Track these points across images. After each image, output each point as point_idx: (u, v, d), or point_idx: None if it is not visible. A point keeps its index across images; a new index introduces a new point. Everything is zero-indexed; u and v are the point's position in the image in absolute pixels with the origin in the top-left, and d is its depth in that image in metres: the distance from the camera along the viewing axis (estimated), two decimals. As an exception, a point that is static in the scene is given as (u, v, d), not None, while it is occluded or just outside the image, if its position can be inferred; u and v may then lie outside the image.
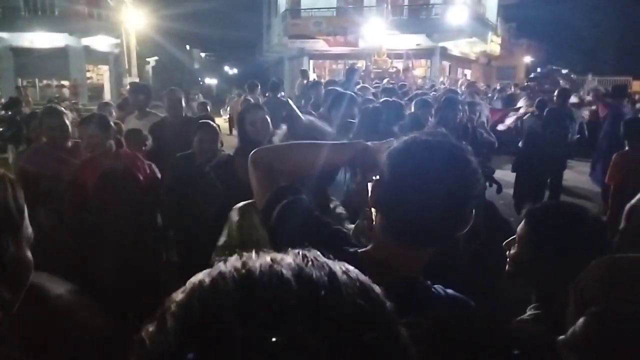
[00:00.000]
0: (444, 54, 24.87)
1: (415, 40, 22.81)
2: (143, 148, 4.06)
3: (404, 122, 4.06)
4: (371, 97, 6.49)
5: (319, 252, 0.56)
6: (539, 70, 16.95)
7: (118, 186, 3.12)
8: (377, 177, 1.17)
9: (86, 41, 22.75)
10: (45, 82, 22.98)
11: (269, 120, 3.31)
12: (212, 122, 3.88)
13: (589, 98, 11.89)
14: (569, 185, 8.44)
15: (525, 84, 16.04)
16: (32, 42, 22.01)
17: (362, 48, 22.02)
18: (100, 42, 23.48)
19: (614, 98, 8.83)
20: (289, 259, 0.54)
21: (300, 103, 7.79)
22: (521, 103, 11.13)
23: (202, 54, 51.34)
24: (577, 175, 8.87)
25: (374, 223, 1.17)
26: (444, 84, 16.06)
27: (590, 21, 33.10)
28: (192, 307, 0.49)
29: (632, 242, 1.80)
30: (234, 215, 2.37)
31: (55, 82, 22.76)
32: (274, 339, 0.45)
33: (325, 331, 0.47)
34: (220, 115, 17.63)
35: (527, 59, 29.98)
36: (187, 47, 43.24)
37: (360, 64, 19.28)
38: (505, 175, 8.00)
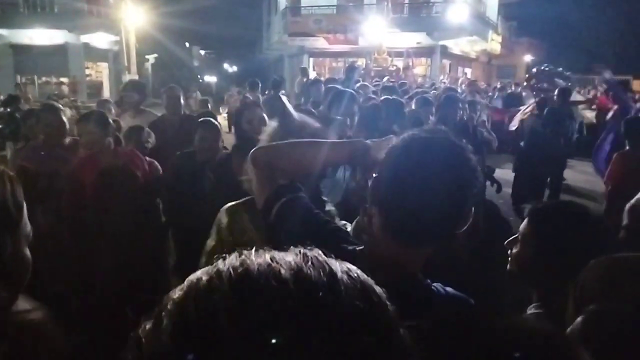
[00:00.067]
0: (445, 52, 24.86)
1: (415, 39, 22.80)
2: (146, 145, 4.04)
3: (404, 120, 4.05)
4: (373, 95, 6.48)
5: (320, 251, 0.55)
6: (534, 70, 16.95)
7: (116, 184, 3.11)
8: (376, 174, 1.17)
9: (85, 38, 22.73)
10: (44, 79, 22.96)
11: (266, 118, 3.30)
12: (213, 120, 3.87)
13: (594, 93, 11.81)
14: (570, 185, 8.45)
15: (525, 83, 16.05)
16: (31, 39, 21.98)
17: (362, 46, 22.00)
18: (100, 39, 23.46)
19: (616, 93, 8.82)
20: (288, 258, 0.52)
21: (300, 101, 7.78)
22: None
23: (202, 52, 51.29)
24: (578, 174, 8.87)
25: (372, 221, 1.17)
26: (445, 83, 16.04)
27: (591, 20, 33.09)
28: (188, 307, 0.48)
29: (635, 240, 1.80)
30: (223, 217, 2.36)
31: (54, 79, 22.74)
32: (268, 341, 0.45)
33: (322, 334, 0.46)
34: (220, 113, 17.63)
35: (528, 58, 29.96)
36: (187, 44, 43.20)
37: (361, 62, 19.29)
38: (505, 174, 8.00)
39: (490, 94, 14.22)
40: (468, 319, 0.82)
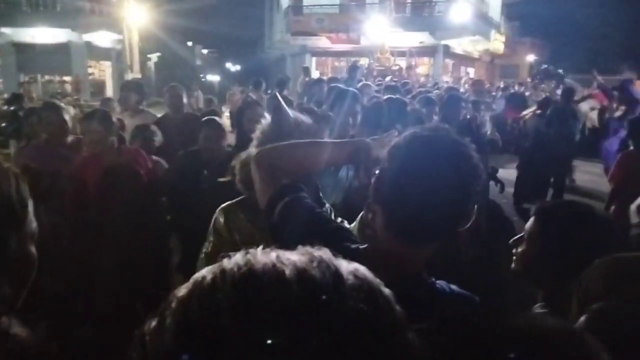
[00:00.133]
0: (447, 52, 24.82)
1: (418, 38, 22.77)
2: (153, 144, 4.05)
3: (407, 119, 4.05)
4: (377, 94, 6.49)
5: (327, 250, 0.54)
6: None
7: (120, 183, 3.11)
8: (378, 172, 1.17)
9: (88, 37, 22.72)
10: (47, 77, 22.98)
11: (268, 117, 3.29)
12: (217, 119, 3.87)
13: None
14: (574, 185, 8.43)
15: (529, 81, 16.06)
16: (34, 38, 21.98)
17: (364, 45, 21.98)
18: (103, 38, 23.46)
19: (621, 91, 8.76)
20: (294, 258, 0.52)
21: (302, 100, 7.78)
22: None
23: (204, 51, 51.32)
24: (582, 174, 8.84)
25: (375, 219, 1.16)
26: (448, 83, 16.02)
27: (594, 20, 32.99)
28: (191, 306, 0.48)
29: None
30: (219, 217, 2.37)
31: (57, 78, 22.76)
32: (267, 342, 0.44)
33: (323, 335, 0.45)
34: (222, 112, 17.59)
35: (531, 58, 29.91)
36: (189, 43, 43.22)
37: (363, 61, 19.25)
38: (508, 174, 8.00)
39: (494, 93, 14.20)
40: (477, 320, 0.81)
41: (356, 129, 3.69)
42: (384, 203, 1.12)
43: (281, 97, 6.00)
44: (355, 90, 4.68)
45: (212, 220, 2.40)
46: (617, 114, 8.49)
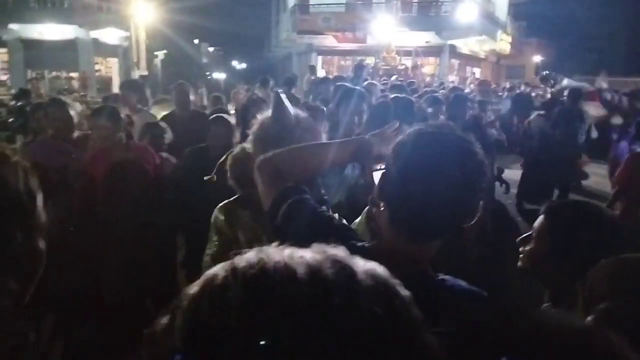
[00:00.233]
0: (453, 51, 24.75)
1: (424, 38, 22.73)
2: (162, 141, 4.05)
3: (414, 118, 4.04)
4: (386, 93, 6.48)
5: (343, 248, 0.52)
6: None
7: (127, 179, 3.12)
8: (383, 167, 1.17)
9: (95, 34, 22.78)
10: (54, 73, 23.06)
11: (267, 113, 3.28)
12: (226, 116, 3.87)
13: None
14: (579, 186, 8.39)
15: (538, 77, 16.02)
16: (42, 34, 22.07)
17: (370, 44, 21.95)
18: (110, 35, 23.52)
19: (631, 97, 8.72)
20: (308, 256, 0.50)
21: (308, 98, 7.78)
22: None
23: (211, 49, 51.35)
24: (592, 176, 8.78)
25: (380, 217, 1.17)
26: (454, 83, 15.98)
27: (601, 21, 32.82)
28: (201, 305, 0.48)
29: None
30: (219, 216, 2.36)
31: (64, 74, 22.84)
32: (274, 343, 0.43)
33: (332, 338, 0.44)
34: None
35: (537, 58, 29.79)
36: (196, 41, 43.27)
37: (369, 60, 19.23)
38: (514, 174, 7.98)
39: (500, 94, 14.15)
40: (495, 322, 0.79)
41: (362, 128, 3.69)
42: (389, 200, 1.13)
43: (288, 95, 6.02)
44: (361, 89, 4.69)
45: (212, 219, 2.38)
46: (615, 120, 8.45)
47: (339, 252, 0.52)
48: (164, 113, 5.83)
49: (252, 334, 0.44)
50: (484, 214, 1.12)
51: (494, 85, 16.23)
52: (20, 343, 0.96)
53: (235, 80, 21.53)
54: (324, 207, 2.04)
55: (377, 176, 1.33)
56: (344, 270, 0.49)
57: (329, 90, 6.64)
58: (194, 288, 0.50)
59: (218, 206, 2.40)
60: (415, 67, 18.19)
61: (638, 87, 9.90)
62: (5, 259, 0.86)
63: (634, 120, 6.15)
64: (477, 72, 27.01)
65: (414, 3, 24.09)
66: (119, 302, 2.87)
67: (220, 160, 2.67)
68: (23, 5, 21.51)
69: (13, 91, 11.73)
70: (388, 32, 19.33)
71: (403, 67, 16.91)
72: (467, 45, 25.52)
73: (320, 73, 18.34)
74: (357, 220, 2.11)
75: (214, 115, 3.88)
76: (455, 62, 25.93)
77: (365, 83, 7.47)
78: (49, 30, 21.97)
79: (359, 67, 9.50)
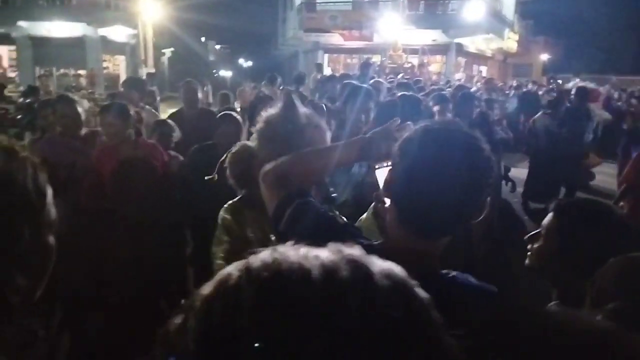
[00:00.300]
0: (460, 50, 24.66)
1: (431, 36, 22.65)
2: (171, 139, 4.07)
3: (421, 117, 4.03)
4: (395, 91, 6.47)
5: (359, 248, 0.51)
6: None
7: (135, 175, 3.13)
8: (389, 165, 1.17)
9: (103, 31, 22.85)
10: (62, 71, 23.17)
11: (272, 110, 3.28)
12: (234, 114, 3.87)
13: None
14: (589, 184, 8.36)
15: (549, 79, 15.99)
16: (50, 32, 22.16)
17: (377, 43, 21.89)
18: (117, 33, 23.58)
19: None
20: (324, 256, 0.48)
21: (314, 96, 7.78)
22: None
23: (217, 46, 51.43)
24: (599, 175, 8.75)
25: (387, 214, 1.17)
26: (460, 81, 15.93)
27: (609, 19, 32.59)
28: (214, 306, 0.47)
29: None
30: (226, 216, 2.35)
31: (72, 72, 22.93)
32: (286, 346, 0.43)
33: (350, 343, 0.43)
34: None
35: (544, 57, 29.62)
36: (203, 39, 43.34)
37: (376, 58, 19.19)
38: (520, 173, 7.95)
39: (507, 92, 14.09)
40: (512, 322, 0.78)
41: (370, 126, 3.69)
42: (396, 198, 1.12)
43: (297, 93, 5.99)
44: (368, 87, 4.69)
45: (220, 220, 2.36)
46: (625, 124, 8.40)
47: (355, 251, 0.50)
48: (171, 110, 5.85)
49: (265, 336, 0.43)
50: (491, 210, 1.13)
51: (500, 84, 16.17)
52: (29, 340, 0.96)
53: (241, 78, 21.56)
54: (330, 206, 2.05)
55: (380, 174, 1.34)
56: (360, 271, 0.48)
57: (335, 89, 6.63)
58: (207, 288, 0.49)
59: (224, 206, 2.39)
60: (421, 65, 18.12)
61: None
62: (13, 256, 0.85)
63: None
64: (484, 70, 26.90)
65: (420, 1, 23.98)
66: (125, 298, 2.89)
67: (222, 159, 2.66)
68: (31, 3, 21.62)
69: (21, 88, 11.78)
70: (395, 30, 19.28)
71: (409, 65, 16.86)
72: (474, 43, 25.41)
73: (327, 71, 18.35)
74: (364, 216, 2.11)
75: (222, 113, 3.88)
76: (462, 60, 25.83)
77: (372, 81, 7.47)
78: (57, 28, 22.05)
79: (366, 65, 9.50)
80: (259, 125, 1.78)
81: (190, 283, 3.39)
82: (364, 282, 0.47)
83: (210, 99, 10.99)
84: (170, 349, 0.48)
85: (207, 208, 3.27)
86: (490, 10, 22.84)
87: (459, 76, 19.15)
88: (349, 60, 25.66)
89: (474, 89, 11.01)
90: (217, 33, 43.77)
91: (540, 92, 13.56)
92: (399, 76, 11.91)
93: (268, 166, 1.39)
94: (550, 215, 1.53)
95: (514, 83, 16.52)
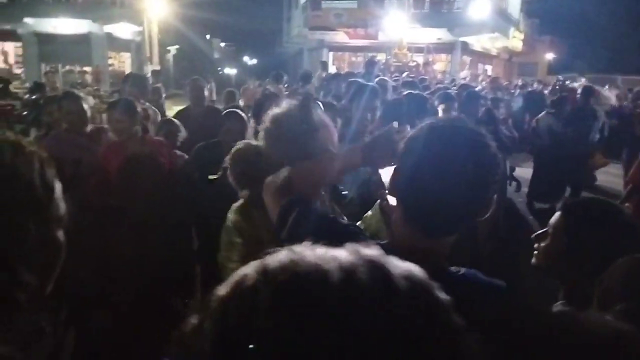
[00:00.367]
0: (465, 48, 24.61)
1: (436, 34, 22.61)
2: (177, 138, 4.08)
3: (427, 115, 4.03)
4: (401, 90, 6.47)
5: (378, 248, 0.50)
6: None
7: (142, 172, 3.13)
8: (394, 164, 1.17)
9: (108, 28, 22.91)
10: (68, 67, 23.23)
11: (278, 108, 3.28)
12: (239, 111, 3.87)
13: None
14: (597, 185, 8.33)
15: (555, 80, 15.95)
16: (56, 28, 22.25)
17: (382, 41, 21.89)
18: (123, 30, 23.63)
19: None
20: (342, 257, 0.48)
21: (319, 95, 7.78)
22: None
23: (222, 44, 51.46)
24: (600, 174, 8.72)
25: (393, 212, 1.17)
26: (466, 79, 15.91)
27: (615, 18, 32.45)
28: (230, 307, 0.46)
29: None
30: (236, 217, 2.33)
31: (77, 68, 22.98)
32: (301, 350, 0.42)
33: (369, 346, 0.42)
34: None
35: (550, 56, 29.52)
36: (208, 36, 43.38)
37: (381, 57, 19.18)
38: (525, 173, 7.93)
39: (512, 91, 14.05)
40: (528, 321, 0.77)
41: (375, 125, 3.68)
42: (402, 196, 1.12)
43: (304, 91, 5.96)
44: (374, 85, 4.68)
45: (230, 223, 2.34)
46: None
47: (373, 252, 0.49)
48: (176, 108, 5.86)
49: (282, 338, 0.42)
50: (497, 208, 1.12)
51: (506, 83, 16.12)
52: (36, 336, 0.95)
53: (246, 75, 21.58)
54: (339, 205, 2.06)
55: (385, 172, 1.34)
56: (379, 272, 0.47)
57: (340, 87, 6.63)
58: (223, 289, 0.48)
59: (231, 209, 2.37)
60: (426, 63, 18.13)
61: None
62: (19, 251, 0.83)
63: None
64: (489, 69, 26.83)
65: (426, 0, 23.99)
66: (131, 296, 2.89)
67: (225, 158, 2.67)
68: (37, 0, 21.69)
69: (27, 85, 11.82)
70: (400, 29, 19.27)
71: (414, 63, 16.87)
72: (479, 42, 25.36)
73: (332, 69, 18.33)
74: (369, 213, 2.11)
75: (227, 111, 3.88)
76: (467, 59, 25.77)
77: (378, 79, 7.47)
78: (63, 25, 22.13)
79: (371, 64, 9.46)
80: (268, 124, 1.77)
81: (197, 281, 3.40)
82: (383, 283, 0.46)
83: (214, 97, 10.99)
84: (185, 350, 0.47)
85: (210, 206, 3.28)
86: (496, 9, 22.78)
87: (464, 75, 19.09)
88: (353, 59, 25.65)
89: (479, 87, 10.97)
90: (222, 31, 43.84)
91: (545, 92, 13.52)
92: (404, 75, 11.90)
93: (270, 178, 1.40)
94: (557, 215, 1.52)
95: (519, 82, 16.48)
